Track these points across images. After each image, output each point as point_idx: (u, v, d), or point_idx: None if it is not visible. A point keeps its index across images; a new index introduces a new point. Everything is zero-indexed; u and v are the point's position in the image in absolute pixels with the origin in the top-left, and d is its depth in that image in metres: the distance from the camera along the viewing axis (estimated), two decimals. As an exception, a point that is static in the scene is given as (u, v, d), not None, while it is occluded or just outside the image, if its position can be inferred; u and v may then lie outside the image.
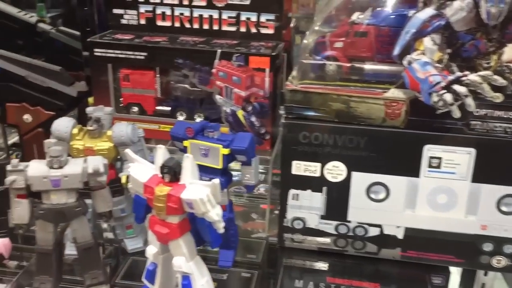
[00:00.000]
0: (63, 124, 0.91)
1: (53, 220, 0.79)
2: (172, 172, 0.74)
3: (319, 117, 0.90)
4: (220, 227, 0.74)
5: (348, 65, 0.92)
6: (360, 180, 0.92)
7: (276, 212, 1.00)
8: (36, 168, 0.77)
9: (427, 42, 0.82)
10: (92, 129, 0.90)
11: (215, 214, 0.73)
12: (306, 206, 0.96)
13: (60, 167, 0.78)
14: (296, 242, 1.00)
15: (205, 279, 0.80)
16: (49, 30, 1.25)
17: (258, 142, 0.99)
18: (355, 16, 0.93)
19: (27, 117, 1.10)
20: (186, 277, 0.78)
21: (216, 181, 0.71)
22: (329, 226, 0.97)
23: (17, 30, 1.25)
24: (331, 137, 0.91)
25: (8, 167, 0.77)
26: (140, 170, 0.77)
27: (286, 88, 0.90)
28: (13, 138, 1.28)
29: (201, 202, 0.72)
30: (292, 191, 0.96)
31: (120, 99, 1.09)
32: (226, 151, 0.87)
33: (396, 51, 0.86)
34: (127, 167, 0.91)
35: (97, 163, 0.80)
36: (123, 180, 0.90)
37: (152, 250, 0.79)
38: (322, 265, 0.99)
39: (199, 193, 0.72)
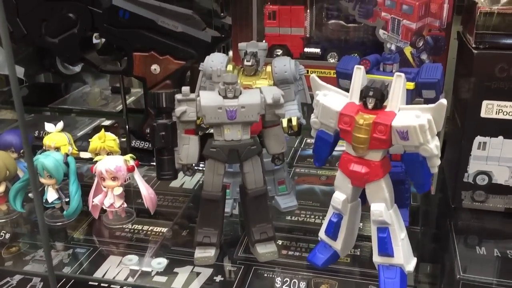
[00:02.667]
0: (218, 60, 0.79)
1: (226, 160, 0.67)
2: (378, 95, 0.60)
3: (521, 45, 0.75)
4: (437, 164, 0.60)
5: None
6: None
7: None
8: (209, 98, 0.65)
9: None
10: (250, 65, 0.77)
11: (434, 146, 0.58)
12: (494, 157, 0.81)
13: (235, 97, 0.66)
14: (477, 201, 0.84)
15: (404, 233, 0.66)
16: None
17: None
18: None
19: (155, 67, 1.00)
20: (383, 229, 0.64)
21: (444, 101, 0.57)
22: (524, 181, 0.81)
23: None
24: (537, 70, 0.75)
25: (178, 96, 0.65)
26: (331, 98, 0.64)
27: (479, 10, 0.75)
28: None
29: (421, 130, 0.57)
30: (479, 139, 0.80)
31: (263, 41, 0.96)
32: (411, 85, 0.73)
33: None
34: (289, 110, 0.78)
35: (276, 92, 0.67)
36: (284, 124, 0.77)
37: (340, 197, 0.66)
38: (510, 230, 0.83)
39: (418, 119, 0.58)
